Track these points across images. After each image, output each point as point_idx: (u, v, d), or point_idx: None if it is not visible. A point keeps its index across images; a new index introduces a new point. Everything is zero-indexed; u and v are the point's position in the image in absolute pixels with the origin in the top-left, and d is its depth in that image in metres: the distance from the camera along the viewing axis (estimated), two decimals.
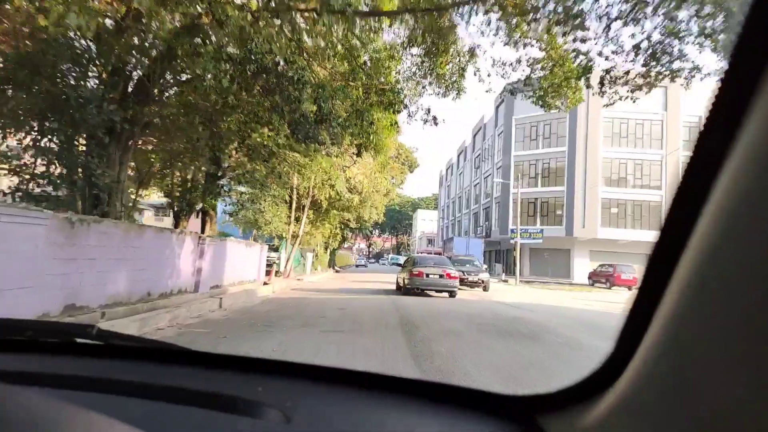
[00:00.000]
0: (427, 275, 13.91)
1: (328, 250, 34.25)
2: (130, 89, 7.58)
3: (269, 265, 21.44)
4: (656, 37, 6.99)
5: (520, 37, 8.23)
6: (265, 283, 15.33)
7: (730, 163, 0.43)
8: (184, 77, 7.66)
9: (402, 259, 66.70)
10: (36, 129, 6.50)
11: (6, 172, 6.48)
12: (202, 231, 12.26)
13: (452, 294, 14.03)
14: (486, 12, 7.53)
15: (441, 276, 14.04)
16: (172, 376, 0.96)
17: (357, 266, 47.79)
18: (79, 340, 1.09)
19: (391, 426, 0.81)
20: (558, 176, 32.93)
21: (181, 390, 0.86)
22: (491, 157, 40.38)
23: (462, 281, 16.21)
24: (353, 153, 12.08)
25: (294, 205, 19.79)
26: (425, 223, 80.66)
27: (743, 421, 0.39)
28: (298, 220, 20.85)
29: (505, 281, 28.96)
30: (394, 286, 17.06)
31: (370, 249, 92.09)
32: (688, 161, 0.48)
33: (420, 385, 0.93)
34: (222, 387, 0.88)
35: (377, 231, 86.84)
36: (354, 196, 21.10)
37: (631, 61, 7.49)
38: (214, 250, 10.74)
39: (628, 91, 7.75)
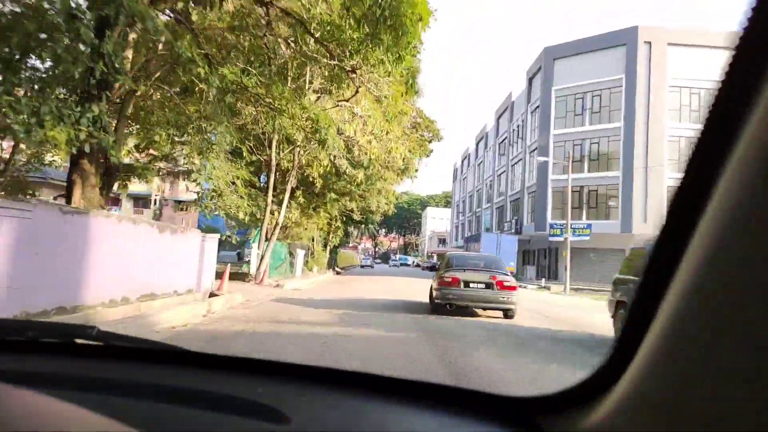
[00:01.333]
0: (466, 284, 9.02)
1: (328, 248, 28.73)
2: None
3: (246, 262, 15.77)
4: None
5: None
6: (212, 294, 9.64)
7: (732, 161, 0.43)
8: None
9: (410, 260, 61.52)
10: None
11: None
12: (68, 200, 6.51)
13: (508, 314, 9.20)
14: None
15: (488, 286, 9.03)
16: (171, 377, 0.96)
17: (362, 267, 43.33)
18: (79, 340, 1.09)
19: (391, 427, 0.80)
20: (611, 159, 26.60)
21: (181, 391, 0.87)
22: (522, 140, 34.01)
23: None
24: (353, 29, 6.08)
25: (273, 179, 13.99)
26: (435, 221, 75.15)
27: (746, 419, 0.38)
28: (281, 204, 15.10)
29: (546, 288, 23.04)
30: (414, 297, 11.97)
31: (377, 249, 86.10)
32: (687, 161, 0.48)
33: (420, 386, 0.90)
34: (222, 388, 0.88)
35: (384, 230, 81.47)
36: (358, 171, 15.25)
37: None
38: (45, 233, 4.96)
39: None
